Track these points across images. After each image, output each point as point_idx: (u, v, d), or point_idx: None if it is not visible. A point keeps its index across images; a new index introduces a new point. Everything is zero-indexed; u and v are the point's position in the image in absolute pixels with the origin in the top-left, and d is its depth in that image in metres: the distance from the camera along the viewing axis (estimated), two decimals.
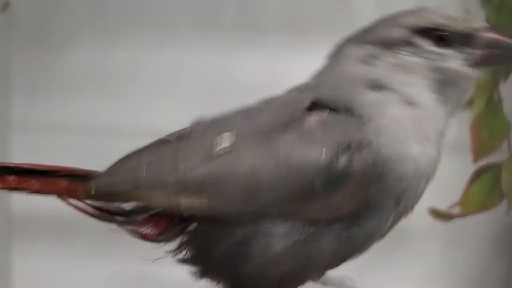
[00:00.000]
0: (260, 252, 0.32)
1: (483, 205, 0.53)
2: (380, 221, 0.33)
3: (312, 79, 0.37)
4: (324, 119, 0.32)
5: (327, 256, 0.33)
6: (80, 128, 0.58)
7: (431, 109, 0.34)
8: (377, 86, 0.34)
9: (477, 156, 0.52)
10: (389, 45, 0.34)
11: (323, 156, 0.31)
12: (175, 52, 0.57)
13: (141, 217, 0.35)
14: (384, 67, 0.34)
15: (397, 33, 0.34)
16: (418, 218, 0.56)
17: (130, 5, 0.57)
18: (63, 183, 0.36)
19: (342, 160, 0.31)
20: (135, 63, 0.57)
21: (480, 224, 0.55)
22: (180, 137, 0.35)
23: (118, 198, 0.35)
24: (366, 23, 0.36)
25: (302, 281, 0.35)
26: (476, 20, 0.34)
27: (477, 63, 0.34)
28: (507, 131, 0.50)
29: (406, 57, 0.34)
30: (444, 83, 0.34)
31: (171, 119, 0.55)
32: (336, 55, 0.37)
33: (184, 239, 0.35)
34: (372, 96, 0.34)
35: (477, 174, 0.52)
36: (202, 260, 0.35)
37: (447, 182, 0.51)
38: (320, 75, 0.37)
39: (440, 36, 0.34)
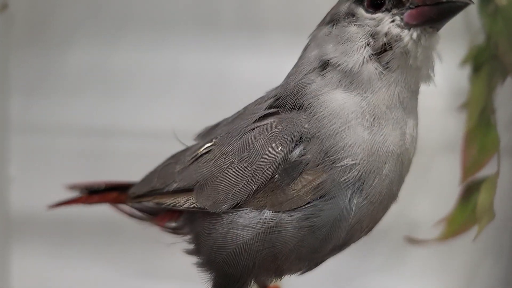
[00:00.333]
0: (231, 240, 0.35)
1: (460, 228, 0.51)
2: (342, 210, 0.34)
3: (286, 76, 0.38)
4: (278, 118, 0.35)
5: (294, 246, 0.34)
6: (79, 128, 0.58)
7: (376, 83, 0.34)
8: (324, 66, 0.35)
9: (466, 174, 0.51)
10: (336, 20, 0.35)
11: (278, 150, 0.34)
12: (174, 53, 0.57)
13: (160, 212, 0.42)
14: (331, 42, 0.35)
15: (342, 7, 0.35)
16: (417, 218, 0.57)
17: (128, 6, 0.57)
18: (113, 194, 0.45)
19: (296, 153, 0.33)
20: (134, 64, 0.57)
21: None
22: (188, 148, 0.41)
23: (144, 199, 0.42)
24: None
25: (279, 271, 0.37)
26: None
27: (412, 23, 0.33)
28: (496, 146, 0.50)
29: (345, 27, 0.35)
30: (385, 50, 0.34)
31: (170, 119, 0.55)
32: (305, 47, 0.38)
33: (188, 232, 0.40)
34: (315, 85, 0.35)
35: (468, 191, 0.51)
36: (197, 250, 0.39)
37: (443, 192, 0.52)
38: (292, 70, 0.38)
39: (372, 1, 0.34)
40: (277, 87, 0.38)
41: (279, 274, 0.37)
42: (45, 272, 0.58)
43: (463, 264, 0.58)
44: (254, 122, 0.35)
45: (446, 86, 0.56)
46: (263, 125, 0.35)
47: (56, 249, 0.58)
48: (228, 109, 0.41)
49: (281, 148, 0.34)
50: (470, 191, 0.50)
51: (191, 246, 0.39)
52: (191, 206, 0.37)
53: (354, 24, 0.34)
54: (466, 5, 0.33)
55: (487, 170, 0.49)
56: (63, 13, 0.58)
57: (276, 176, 0.34)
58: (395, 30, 0.34)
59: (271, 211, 0.34)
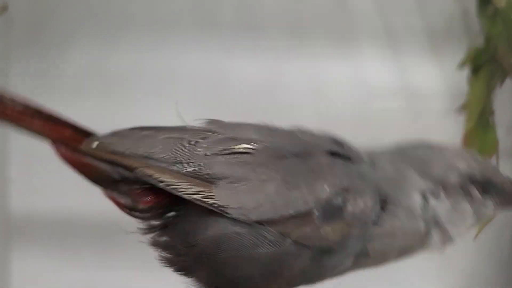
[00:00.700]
0: (234, 248, 0.34)
1: None
2: (345, 258, 0.36)
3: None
4: (336, 161, 0.36)
5: (297, 273, 0.35)
6: None
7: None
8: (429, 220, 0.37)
9: None
10: (446, 187, 0.37)
11: (325, 190, 0.34)
12: (173, 54, 0.57)
13: (135, 186, 0.36)
14: (438, 206, 0.37)
15: (454, 178, 0.37)
16: None
17: (127, 7, 0.58)
18: (67, 131, 0.37)
19: (339, 199, 0.34)
20: (133, 65, 0.57)
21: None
22: (196, 128, 0.37)
23: (121, 161, 0.35)
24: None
25: None
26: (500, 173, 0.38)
27: (499, 207, 0.38)
28: (495, 148, 0.50)
29: (459, 203, 0.37)
30: None
31: (169, 120, 0.55)
32: (397, 166, 0.38)
33: (164, 222, 0.36)
34: (413, 198, 0.37)
35: None
36: (176, 248, 0.35)
37: None
38: (370, 154, 0.39)
39: (485, 187, 0.37)
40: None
41: None
42: (44, 273, 0.58)
43: (462, 264, 0.58)
44: (309, 154, 0.36)
45: (445, 88, 0.56)
46: (319, 160, 0.35)
47: (56, 250, 0.58)
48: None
49: (328, 189, 0.34)
50: None
51: (163, 238, 0.36)
52: (204, 199, 0.34)
53: (467, 201, 0.37)
54: None
55: None
56: (63, 14, 0.58)
57: (315, 211, 0.34)
58: (493, 213, 0.39)
59: (293, 240, 0.34)
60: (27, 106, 0.37)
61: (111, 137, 0.37)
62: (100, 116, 0.58)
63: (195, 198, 0.33)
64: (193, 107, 0.59)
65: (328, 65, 0.57)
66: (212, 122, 0.38)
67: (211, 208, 0.33)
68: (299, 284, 0.36)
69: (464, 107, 0.52)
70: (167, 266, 0.36)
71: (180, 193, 0.34)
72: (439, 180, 0.37)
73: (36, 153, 0.59)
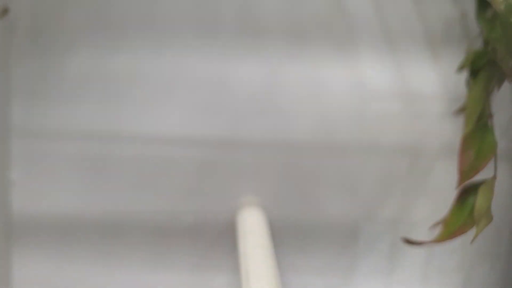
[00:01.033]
0: None
1: (458, 229, 0.52)
2: None
3: None
4: None
5: None
6: (80, 133, 0.58)
7: None
8: None
9: (463, 177, 0.51)
10: None
11: None
12: (174, 58, 0.57)
13: None
14: None
15: None
16: (415, 221, 0.57)
17: (129, 11, 0.57)
18: None
19: None
20: (134, 69, 0.57)
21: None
22: None
23: None
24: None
25: None
26: None
27: None
28: (493, 150, 0.50)
29: None
30: None
31: (171, 124, 0.56)
32: None
33: None
34: None
35: (465, 194, 0.52)
36: None
37: (440, 196, 0.52)
38: None
39: None
40: None
41: None
42: (45, 275, 0.58)
43: (460, 266, 0.58)
44: None
45: (444, 91, 0.56)
46: None
47: (57, 252, 0.58)
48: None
49: None
50: (467, 194, 0.50)
51: None
52: None
53: None
54: None
55: (484, 174, 0.49)
56: (65, 18, 0.58)
57: None
58: None
59: None
60: None
61: None
62: (101, 119, 0.58)
63: None
64: (193, 112, 0.60)
65: (327, 68, 0.57)
66: None
67: None
68: None
69: (462, 110, 0.52)
70: None
71: None
72: None
73: (37, 157, 0.59)
